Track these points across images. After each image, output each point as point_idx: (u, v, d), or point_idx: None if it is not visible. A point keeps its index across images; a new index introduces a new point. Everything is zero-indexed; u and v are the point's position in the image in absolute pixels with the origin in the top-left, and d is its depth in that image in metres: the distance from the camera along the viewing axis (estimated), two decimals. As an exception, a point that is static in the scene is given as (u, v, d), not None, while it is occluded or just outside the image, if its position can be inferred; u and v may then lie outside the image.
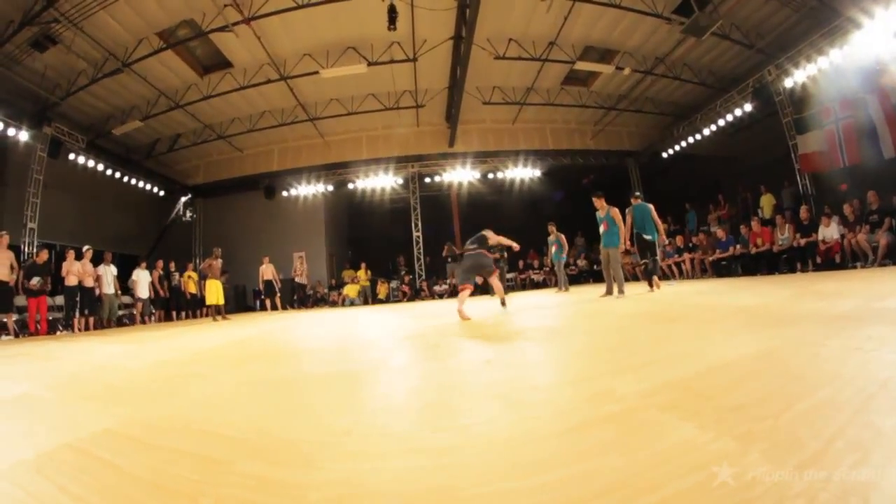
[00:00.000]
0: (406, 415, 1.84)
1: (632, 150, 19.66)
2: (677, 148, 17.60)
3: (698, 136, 16.50)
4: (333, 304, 18.33)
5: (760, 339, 2.68)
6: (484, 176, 19.42)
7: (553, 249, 12.81)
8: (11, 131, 12.04)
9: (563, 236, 12.54)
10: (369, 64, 13.08)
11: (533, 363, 2.79)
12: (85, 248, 11.57)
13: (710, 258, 13.36)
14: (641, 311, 5.33)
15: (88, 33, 10.89)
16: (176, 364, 4.09)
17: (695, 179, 18.87)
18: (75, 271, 11.05)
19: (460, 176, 19.02)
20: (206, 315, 13.92)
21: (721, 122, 15.44)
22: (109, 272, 12.04)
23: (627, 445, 1.26)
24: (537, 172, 19.32)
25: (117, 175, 15.69)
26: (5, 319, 9.94)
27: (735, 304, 5.13)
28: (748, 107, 14.17)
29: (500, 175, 19.41)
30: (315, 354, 4.15)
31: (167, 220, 19.31)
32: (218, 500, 1.16)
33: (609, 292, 8.09)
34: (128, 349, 5.88)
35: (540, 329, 4.47)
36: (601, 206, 8.46)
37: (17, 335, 9.96)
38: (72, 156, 13.87)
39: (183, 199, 18.68)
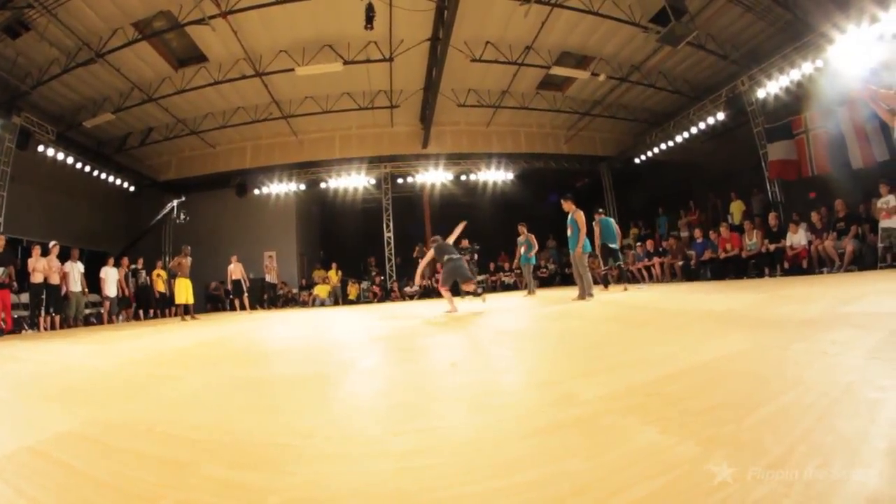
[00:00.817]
0: (372, 417, 1.83)
1: (605, 155, 19.86)
2: (650, 154, 17.78)
3: (671, 143, 16.69)
4: (304, 304, 18.14)
5: (727, 343, 2.72)
6: (456, 177, 19.39)
7: (522, 250, 12.30)
8: (-21, 121, 11.62)
9: (532, 237, 12.21)
10: (345, 62, 12.99)
11: (499, 367, 2.79)
12: (51, 243, 11.21)
13: (681, 262, 13.56)
14: (609, 315, 5.39)
15: (63, 20, 10.58)
16: (142, 364, 4.02)
17: (666, 185, 19.05)
18: (41, 268, 10.68)
19: (433, 177, 18.99)
20: (175, 314, 13.66)
21: (694, 130, 15.66)
22: (76, 269, 11.72)
23: (592, 449, 1.27)
24: (510, 175, 19.44)
25: (87, 169, 15.21)
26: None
27: (703, 308, 5.21)
28: (721, 115, 14.39)
29: (472, 177, 19.43)
30: (283, 355, 4.11)
31: (148, 218, 18.56)
32: (177, 503, 1.13)
33: (581, 296, 8.03)
34: (94, 349, 5.75)
35: (506, 332, 4.50)
36: (569, 208, 8.56)
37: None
38: (41, 147, 13.39)
39: (176, 200, 18.05)
